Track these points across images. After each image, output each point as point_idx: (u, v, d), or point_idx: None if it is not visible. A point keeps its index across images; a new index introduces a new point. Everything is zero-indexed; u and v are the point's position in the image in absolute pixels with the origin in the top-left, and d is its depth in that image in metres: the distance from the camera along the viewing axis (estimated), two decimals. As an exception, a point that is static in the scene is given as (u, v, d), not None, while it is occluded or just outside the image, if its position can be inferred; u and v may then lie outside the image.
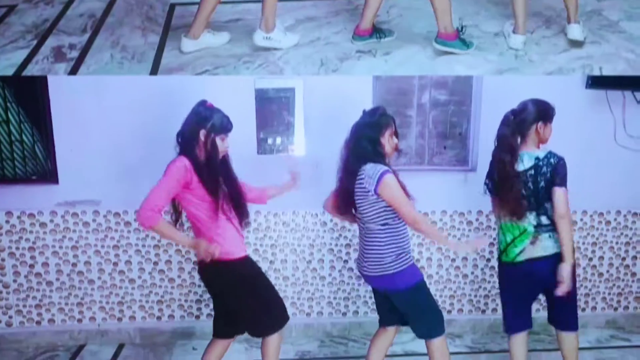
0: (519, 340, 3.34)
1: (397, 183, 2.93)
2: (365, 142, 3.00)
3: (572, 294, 3.20)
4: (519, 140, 3.14)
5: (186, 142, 2.91)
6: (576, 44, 3.82)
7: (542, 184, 3.05)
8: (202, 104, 2.96)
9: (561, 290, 3.06)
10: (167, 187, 2.81)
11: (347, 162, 3.08)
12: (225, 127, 2.94)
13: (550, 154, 3.07)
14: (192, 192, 2.86)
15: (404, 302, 3.10)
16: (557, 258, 3.06)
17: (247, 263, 3.08)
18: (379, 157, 3.00)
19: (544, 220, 3.09)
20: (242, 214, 3.08)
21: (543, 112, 3.11)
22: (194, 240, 2.95)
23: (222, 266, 2.94)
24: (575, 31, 3.79)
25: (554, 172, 3.02)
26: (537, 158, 3.06)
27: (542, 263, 3.12)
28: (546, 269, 3.11)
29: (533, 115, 3.09)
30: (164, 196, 2.81)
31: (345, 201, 3.14)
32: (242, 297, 3.00)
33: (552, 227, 3.07)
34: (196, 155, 2.88)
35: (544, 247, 3.10)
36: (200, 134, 2.88)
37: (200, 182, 2.85)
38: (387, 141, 3.04)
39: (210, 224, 2.92)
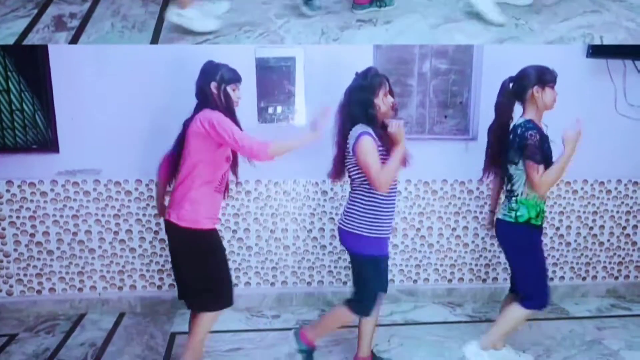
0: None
1: (374, 147, 3.09)
2: (358, 106, 3.20)
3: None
4: (513, 109, 3.33)
5: (203, 99, 3.16)
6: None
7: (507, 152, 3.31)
8: (209, 62, 3.22)
9: None
10: (235, 127, 3.05)
11: (341, 126, 3.29)
12: (234, 76, 3.19)
13: (521, 123, 3.23)
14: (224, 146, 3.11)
15: (355, 266, 3.33)
16: (504, 226, 3.34)
17: (215, 235, 3.28)
18: (370, 119, 3.19)
19: (508, 186, 3.35)
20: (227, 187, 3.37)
21: (539, 74, 3.24)
22: (312, 128, 3.16)
23: (192, 233, 3.14)
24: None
25: (515, 141, 3.22)
26: (514, 125, 3.28)
27: (497, 224, 3.43)
28: (498, 230, 3.42)
29: (529, 79, 3.24)
30: (244, 132, 3.07)
31: (342, 164, 3.35)
32: (200, 267, 3.18)
33: (508, 195, 3.32)
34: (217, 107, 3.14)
35: (500, 210, 3.41)
36: (212, 86, 3.14)
37: None
38: (382, 101, 3.22)
39: (211, 192, 3.16)
